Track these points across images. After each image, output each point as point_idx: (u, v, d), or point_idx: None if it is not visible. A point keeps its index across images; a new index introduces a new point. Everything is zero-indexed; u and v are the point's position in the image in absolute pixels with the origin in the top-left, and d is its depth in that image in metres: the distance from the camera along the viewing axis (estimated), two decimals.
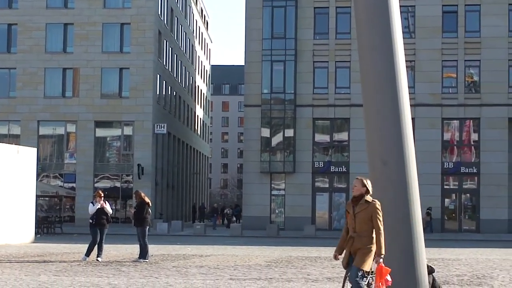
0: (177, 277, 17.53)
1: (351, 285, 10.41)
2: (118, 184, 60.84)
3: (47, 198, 58.58)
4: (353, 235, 10.53)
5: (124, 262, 22.12)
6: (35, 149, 38.73)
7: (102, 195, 23.35)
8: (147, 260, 22.36)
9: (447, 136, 56.52)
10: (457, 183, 56.49)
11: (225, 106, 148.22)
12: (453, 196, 56.93)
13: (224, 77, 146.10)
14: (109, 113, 60.07)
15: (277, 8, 57.44)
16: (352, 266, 10.45)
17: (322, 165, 56.69)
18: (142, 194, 23.43)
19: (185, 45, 78.60)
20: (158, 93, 62.79)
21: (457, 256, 27.34)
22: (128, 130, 60.81)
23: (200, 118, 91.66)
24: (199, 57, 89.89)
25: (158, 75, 62.60)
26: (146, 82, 60.17)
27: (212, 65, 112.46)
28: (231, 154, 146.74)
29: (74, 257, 23.87)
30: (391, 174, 10.61)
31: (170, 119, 68.01)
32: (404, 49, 10.91)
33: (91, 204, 23.11)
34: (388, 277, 10.06)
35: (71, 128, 60.99)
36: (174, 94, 71.53)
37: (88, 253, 22.56)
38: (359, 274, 10.33)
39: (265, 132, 57.24)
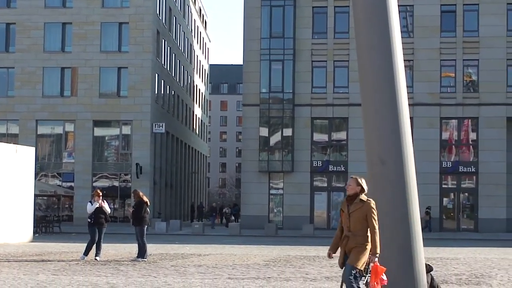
0: (176, 276, 17.54)
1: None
2: (116, 183, 60.82)
3: (45, 197, 58.62)
4: (347, 234, 10.53)
5: (123, 261, 22.12)
6: (34, 148, 38.72)
7: (101, 194, 23.34)
8: (145, 259, 22.35)
9: (445, 135, 56.55)
10: (455, 182, 56.52)
11: (224, 106, 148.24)
12: (452, 195, 56.98)
13: (222, 77, 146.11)
14: (107, 112, 60.05)
15: (275, 8, 57.45)
16: (346, 264, 10.46)
17: (321, 165, 56.71)
18: (141, 193, 23.43)
19: (184, 44, 78.58)
20: (156, 92, 62.78)
21: (455, 255, 27.35)
22: (126, 130, 60.80)
23: (199, 118, 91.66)
24: (197, 56, 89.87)
25: (156, 75, 62.59)
26: (144, 82, 60.17)
27: (210, 65, 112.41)
28: (229, 154, 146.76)
29: (72, 256, 23.86)
30: (389, 173, 10.62)
31: (169, 118, 68.01)
32: (403, 48, 10.92)
33: (89, 203, 23.09)
34: (384, 276, 10.06)
35: (69, 127, 60.97)
36: (173, 93, 71.53)
37: (86, 252, 22.56)
38: (353, 272, 10.33)
39: (264, 132, 57.24)
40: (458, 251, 30.28)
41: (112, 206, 55.10)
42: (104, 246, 23.71)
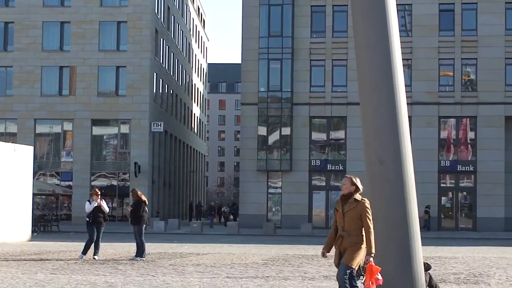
0: (174, 275, 17.53)
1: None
2: (114, 182, 60.83)
3: (43, 197, 58.63)
4: (342, 233, 10.52)
5: (121, 260, 22.11)
6: (32, 147, 38.68)
7: (99, 193, 23.32)
8: (144, 259, 22.34)
9: (443, 134, 56.57)
10: (453, 181, 56.55)
11: (222, 104, 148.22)
12: (450, 194, 57.02)
13: (220, 75, 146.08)
14: (105, 111, 60.05)
15: (274, 6, 57.44)
16: (340, 263, 10.46)
17: (319, 163, 56.72)
18: (139, 192, 23.43)
19: (182, 43, 78.58)
20: (154, 91, 62.79)
21: (453, 254, 27.36)
22: (124, 128, 60.80)
23: (197, 116, 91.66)
24: (195, 55, 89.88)
25: (154, 73, 62.59)
26: (142, 80, 60.17)
27: (208, 63, 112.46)
28: (227, 152, 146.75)
29: (71, 255, 23.86)
30: (388, 172, 10.60)
31: (167, 117, 68.01)
32: (401, 47, 10.91)
33: (88, 203, 23.06)
34: (379, 276, 10.05)
35: (67, 126, 60.97)
36: (171, 92, 71.53)
37: (84, 252, 22.55)
38: (348, 272, 10.32)
39: (262, 131, 57.25)
40: (457, 250, 30.29)
41: (111, 205, 55.04)
42: (102, 245, 23.69)
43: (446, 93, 56.23)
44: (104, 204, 23.13)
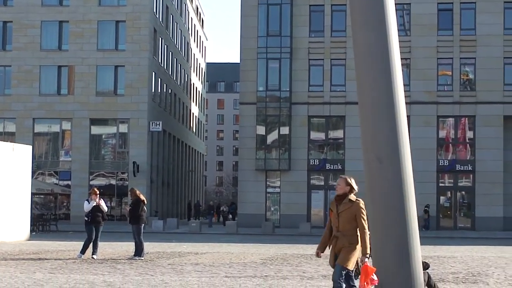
0: (173, 274, 17.53)
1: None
2: (113, 182, 60.83)
3: (42, 196, 58.62)
4: (336, 234, 10.51)
5: (120, 259, 22.11)
6: (30, 146, 38.69)
7: (98, 192, 23.31)
8: (142, 258, 22.33)
9: (442, 134, 56.58)
10: (452, 180, 56.57)
11: (220, 104, 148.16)
12: (448, 193, 57.04)
13: (219, 75, 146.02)
14: (104, 110, 60.03)
15: (272, 6, 57.43)
16: (336, 264, 10.45)
17: (318, 163, 56.73)
18: (138, 192, 23.42)
19: (181, 42, 78.57)
20: (153, 90, 62.78)
21: (452, 253, 27.37)
22: (123, 128, 60.80)
23: (195, 116, 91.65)
24: (194, 54, 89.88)
25: (153, 73, 62.59)
26: (141, 80, 60.16)
27: (207, 63, 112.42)
28: (226, 152, 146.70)
29: (69, 254, 23.85)
30: (386, 172, 10.60)
31: (165, 116, 68.00)
32: (400, 47, 10.91)
33: (86, 202, 23.05)
34: (374, 276, 10.05)
35: (66, 125, 60.95)
36: (170, 91, 71.53)
37: (83, 251, 22.54)
38: (343, 273, 10.32)
39: (261, 130, 57.25)
40: (455, 250, 30.31)
41: (109, 205, 55.10)
42: (101, 244, 23.69)
43: (444, 92, 56.25)
44: (102, 204, 23.12)
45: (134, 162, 58.94)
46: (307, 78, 57.10)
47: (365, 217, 10.30)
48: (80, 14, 60.59)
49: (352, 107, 53.83)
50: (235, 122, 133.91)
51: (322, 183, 56.93)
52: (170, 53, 71.57)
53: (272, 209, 57.47)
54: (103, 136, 61.76)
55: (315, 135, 57.42)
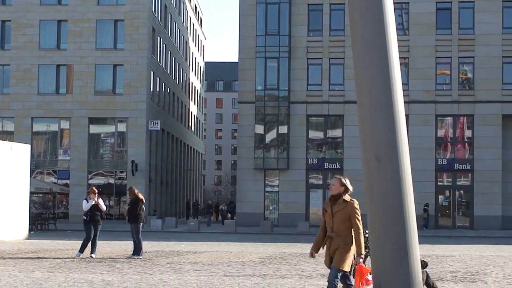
0: (171, 273, 17.53)
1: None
2: (112, 181, 60.82)
3: (41, 195, 58.64)
4: (331, 234, 10.49)
5: (118, 258, 22.11)
6: (29, 145, 38.70)
7: (96, 191, 23.33)
8: (141, 257, 22.35)
9: (441, 133, 56.60)
10: (451, 179, 56.58)
11: (219, 103, 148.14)
12: (447, 192, 57.05)
13: (218, 74, 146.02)
14: (103, 109, 60.01)
15: (271, 5, 57.43)
16: (331, 266, 10.44)
17: (316, 162, 56.73)
18: (136, 191, 23.43)
19: (179, 41, 78.55)
20: (152, 89, 62.76)
21: (450, 252, 27.39)
22: (122, 127, 60.77)
23: (194, 115, 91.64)
24: (193, 53, 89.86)
25: (152, 72, 62.57)
26: (140, 79, 60.14)
27: (206, 62, 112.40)
28: (225, 151, 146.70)
29: (68, 253, 23.85)
30: (385, 171, 10.60)
31: (164, 115, 67.98)
32: (398, 46, 10.92)
33: (85, 201, 23.07)
34: (369, 277, 10.05)
35: (64, 124, 60.91)
36: (168, 90, 71.52)
37: (82, 250, 22.55)
38: (339, 275, 10.31)
39: (259, 129, 57.25)
40: (454, 249, 30.32)
41: (108, 204, 55.11)
42: (99, 243, 23.69)
43: (443, 91, 56.27)
44: (101, 203, 23.14)
45: (132, 161, 58.93)
46: (305, 77, 57.11)
47: (359, 218, 10.29)
48: (78, 13, 60.56)
49: (351, 106, 53.86)
50: (234, 121, 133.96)
51: (321, 182, 56.93)
52: (169, 52, 71.56)
53: (271, 208, 57.47)
54: (102, 135, 61.74)
55: (313, 134, 57.42)
